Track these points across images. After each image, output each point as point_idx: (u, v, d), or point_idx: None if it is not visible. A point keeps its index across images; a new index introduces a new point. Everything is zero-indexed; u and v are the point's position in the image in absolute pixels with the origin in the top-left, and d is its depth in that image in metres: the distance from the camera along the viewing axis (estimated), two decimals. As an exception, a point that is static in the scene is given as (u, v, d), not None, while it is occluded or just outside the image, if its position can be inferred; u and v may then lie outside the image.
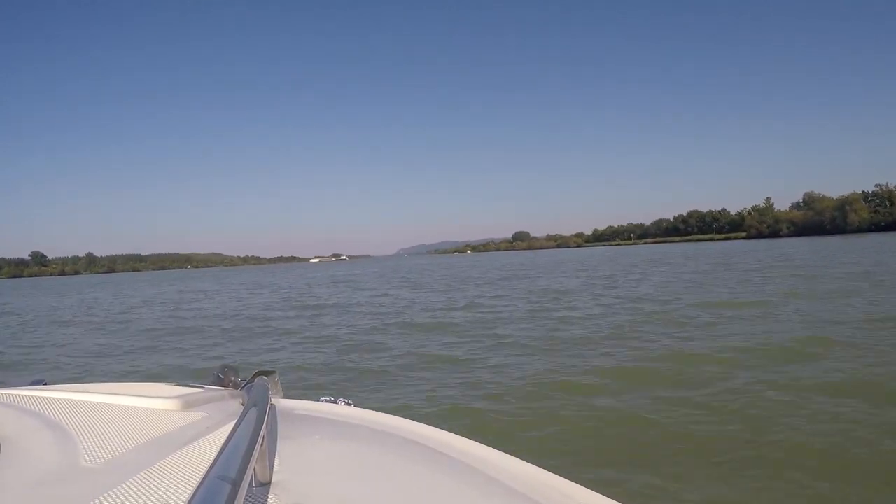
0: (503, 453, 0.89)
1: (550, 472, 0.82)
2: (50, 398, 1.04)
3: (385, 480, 0.77)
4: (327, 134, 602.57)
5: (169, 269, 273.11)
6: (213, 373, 1.45)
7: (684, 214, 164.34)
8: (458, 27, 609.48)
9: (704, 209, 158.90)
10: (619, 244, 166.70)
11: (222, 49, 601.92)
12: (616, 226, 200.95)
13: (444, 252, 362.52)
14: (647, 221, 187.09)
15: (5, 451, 0.71)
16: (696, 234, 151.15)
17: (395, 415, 1.10)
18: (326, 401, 1.26)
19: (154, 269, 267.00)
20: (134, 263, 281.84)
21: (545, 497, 0.74)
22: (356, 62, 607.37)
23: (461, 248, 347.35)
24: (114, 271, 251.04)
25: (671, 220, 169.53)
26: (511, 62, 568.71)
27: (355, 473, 0.79)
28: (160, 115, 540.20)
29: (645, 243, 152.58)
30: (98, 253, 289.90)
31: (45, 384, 1.27)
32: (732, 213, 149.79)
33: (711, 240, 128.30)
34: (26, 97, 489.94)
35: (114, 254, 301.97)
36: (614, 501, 0.73)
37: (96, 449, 0.74)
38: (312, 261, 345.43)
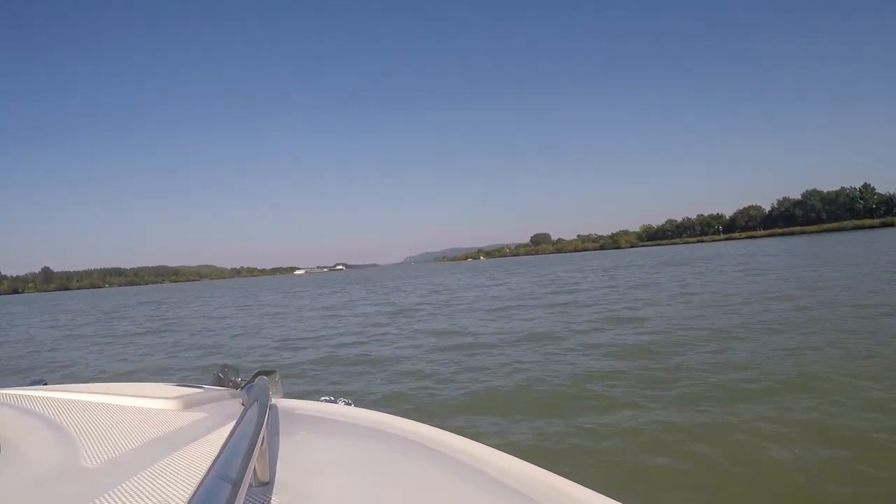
0: (503, 453, 0.88)
1: (551, 472, 0.81)
2: (50, 398, 1.04)
3: (386, 480, 0.76)
4: (327, 141, 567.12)
5: (140, 284, 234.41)
6: (213, 372, 1.46)
7: (796, 197, 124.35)
8: (461, 30, 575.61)
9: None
10: (699, 240, 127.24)
11: (214, 55, 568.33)
12: (679, 220, 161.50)
13: (454, 259, 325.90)
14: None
15: (5, 451, 0.71)
16: (828, 221, 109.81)
17: (395, 415, 1.10)
18: (327, 401, 1.28)
19: (122, 285, 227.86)
20: (95, 279, 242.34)
21: (545, 497, 0.73)
22: (357, 66, 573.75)
23: (473, 254, 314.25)
24: (67, 289, 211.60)
25: (773, 206, 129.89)
26: (514, 63, 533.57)
27: (356, 473, 0.78)
28: (146, 123, 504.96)
29: (747, 237, 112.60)
30: (76, 268, 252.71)
31: (46, 384, 1.28)
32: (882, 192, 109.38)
33: (890, 225, 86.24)
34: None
35: (91, 268, 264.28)
36: (615, 501, 0.72)
37: (96, 449, 0.73)
38: (297, 272, 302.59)
